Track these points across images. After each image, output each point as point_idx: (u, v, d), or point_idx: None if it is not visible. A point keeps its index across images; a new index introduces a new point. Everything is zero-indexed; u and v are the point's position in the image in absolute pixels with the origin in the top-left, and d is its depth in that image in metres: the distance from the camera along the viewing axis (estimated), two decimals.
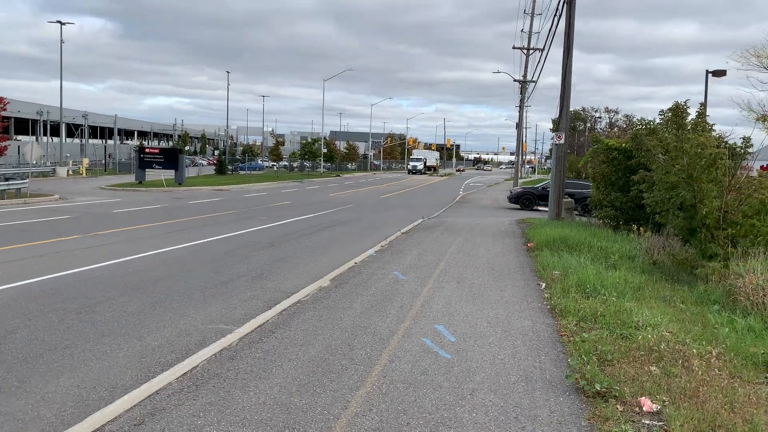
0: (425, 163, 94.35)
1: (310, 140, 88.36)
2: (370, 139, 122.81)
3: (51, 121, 77.84)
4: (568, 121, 20.82)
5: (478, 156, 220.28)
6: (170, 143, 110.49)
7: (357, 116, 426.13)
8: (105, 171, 64.83)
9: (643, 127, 13.52)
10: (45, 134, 74.48)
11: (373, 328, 7.21)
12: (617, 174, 17.40)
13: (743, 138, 11.57)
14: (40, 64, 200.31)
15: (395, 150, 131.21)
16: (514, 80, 49.61)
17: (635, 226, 15.36)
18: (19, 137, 78.96)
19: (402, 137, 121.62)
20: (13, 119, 75.85)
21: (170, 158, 42.10)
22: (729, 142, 12.61)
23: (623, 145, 17.29)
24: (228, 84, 73.32)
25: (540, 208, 30.08)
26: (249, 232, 17.93)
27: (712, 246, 10.67)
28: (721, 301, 9.06)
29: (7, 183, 26.54)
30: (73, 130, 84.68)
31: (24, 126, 79.95)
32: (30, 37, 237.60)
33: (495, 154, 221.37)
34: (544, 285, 9.96)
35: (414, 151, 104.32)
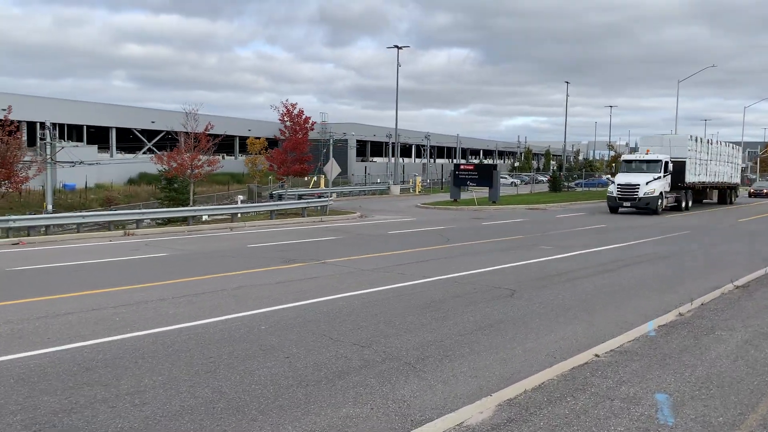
0: None
1: None
2: (743, 147, 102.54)
3: (402, 144, 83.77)
4: None
5: None
6: (513, 161, 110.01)
7: (733, 125, 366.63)
8: (441, 189, 65.99)
9: None
10: (393, 155, 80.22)
11: None
12: None
13: None
14: (413, 94, 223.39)
15: None
16: None
17: None
18: (374, 158, 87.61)
19: None
20: (369, 143, 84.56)
21: (484, 175, 39.34)
22: None
23: None
24: (567, 95, 68.36)
25: None
26: (503, 268, 13.24)
27: None
28: None
29: (306, 201, 26.89)
30: (420, 150, 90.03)
31: (378, 148, 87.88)
32: (405, 72, 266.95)
33: None
34: None
35: None
